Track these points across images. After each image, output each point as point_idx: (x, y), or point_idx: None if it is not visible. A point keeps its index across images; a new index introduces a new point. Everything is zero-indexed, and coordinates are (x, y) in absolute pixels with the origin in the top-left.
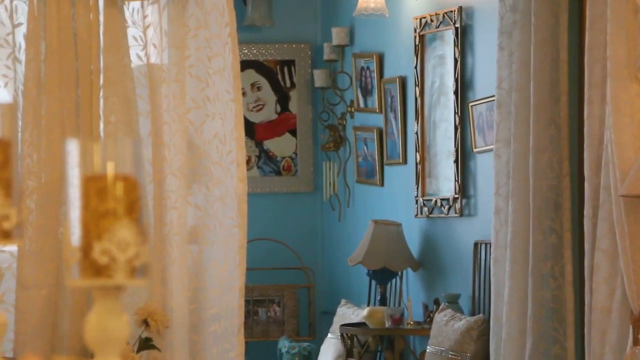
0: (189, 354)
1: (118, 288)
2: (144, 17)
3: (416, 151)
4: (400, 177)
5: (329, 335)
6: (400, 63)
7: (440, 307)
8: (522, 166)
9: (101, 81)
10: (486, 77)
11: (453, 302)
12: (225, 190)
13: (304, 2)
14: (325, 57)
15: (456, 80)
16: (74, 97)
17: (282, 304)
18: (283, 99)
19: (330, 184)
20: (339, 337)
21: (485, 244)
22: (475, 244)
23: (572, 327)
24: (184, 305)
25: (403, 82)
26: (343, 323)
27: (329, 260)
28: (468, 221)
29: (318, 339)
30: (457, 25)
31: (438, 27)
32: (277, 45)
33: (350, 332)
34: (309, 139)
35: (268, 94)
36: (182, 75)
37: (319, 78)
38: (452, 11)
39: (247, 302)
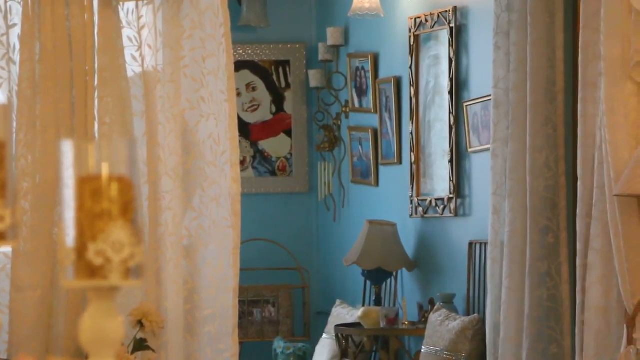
0: (183, 355)
1: (113, 289)
2: (139, 17)
3: (411, 151)
4: (395, 177)
5: (324, 335)
6: (395, 63)
7: (435, 307)
8: (520, 166)
9: (96, 82)
10: (481, 77)
11: (448, 302)
12: (220, 191)
13: (299, 3)
14: (320, 57)
15: (451, 80)
16: (69, 97)
17: (277, 304)
18: (278, 99)
19: (325, 184)
20: (334, 338)
21: (480, 244)
22: (470, 244)
23: (569, 326)
24: (179, 306)
25: (398, 82)
26: (338, 323)
27: (324, 260)
28: (463, 221)
29: (313, 340)
30: (452, 25)
31: (433, 27)
32: (272, 46)
33: (345, 332)
34: (304, 139)
35: (263, 94)
36: (177, 75)
37: (314, 78)
38: (446, 11)
39: (242, 302)
